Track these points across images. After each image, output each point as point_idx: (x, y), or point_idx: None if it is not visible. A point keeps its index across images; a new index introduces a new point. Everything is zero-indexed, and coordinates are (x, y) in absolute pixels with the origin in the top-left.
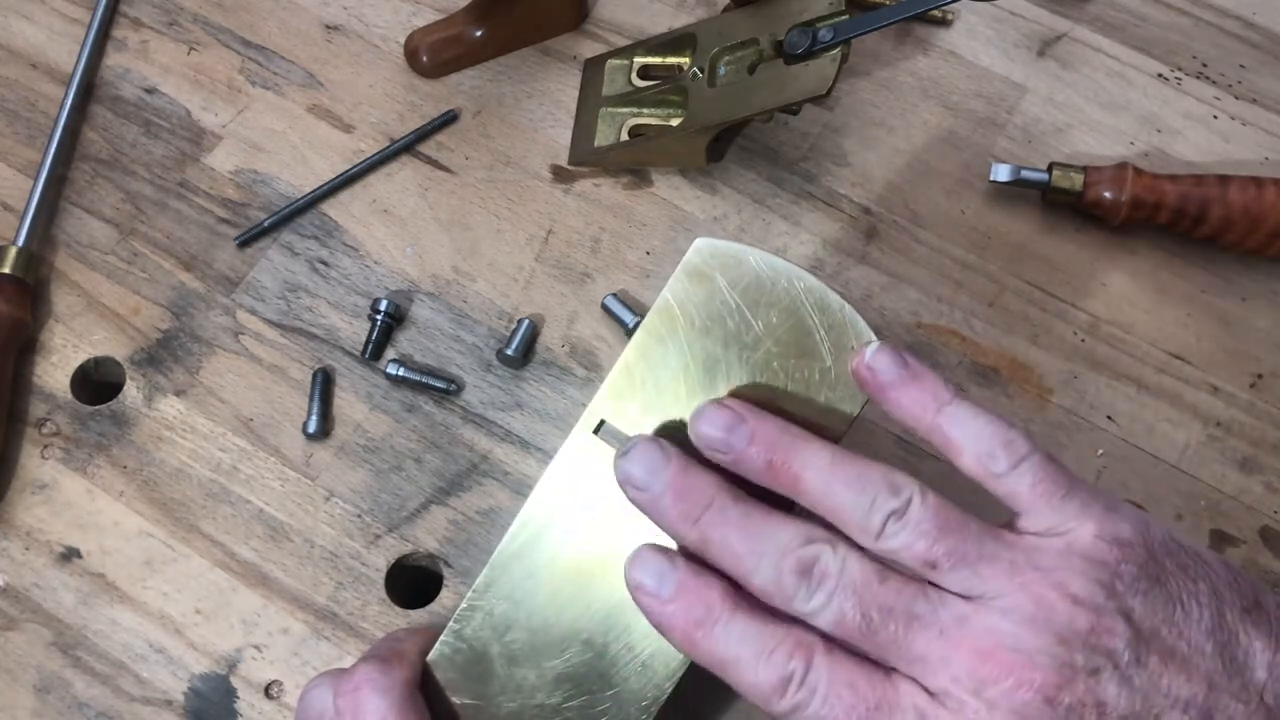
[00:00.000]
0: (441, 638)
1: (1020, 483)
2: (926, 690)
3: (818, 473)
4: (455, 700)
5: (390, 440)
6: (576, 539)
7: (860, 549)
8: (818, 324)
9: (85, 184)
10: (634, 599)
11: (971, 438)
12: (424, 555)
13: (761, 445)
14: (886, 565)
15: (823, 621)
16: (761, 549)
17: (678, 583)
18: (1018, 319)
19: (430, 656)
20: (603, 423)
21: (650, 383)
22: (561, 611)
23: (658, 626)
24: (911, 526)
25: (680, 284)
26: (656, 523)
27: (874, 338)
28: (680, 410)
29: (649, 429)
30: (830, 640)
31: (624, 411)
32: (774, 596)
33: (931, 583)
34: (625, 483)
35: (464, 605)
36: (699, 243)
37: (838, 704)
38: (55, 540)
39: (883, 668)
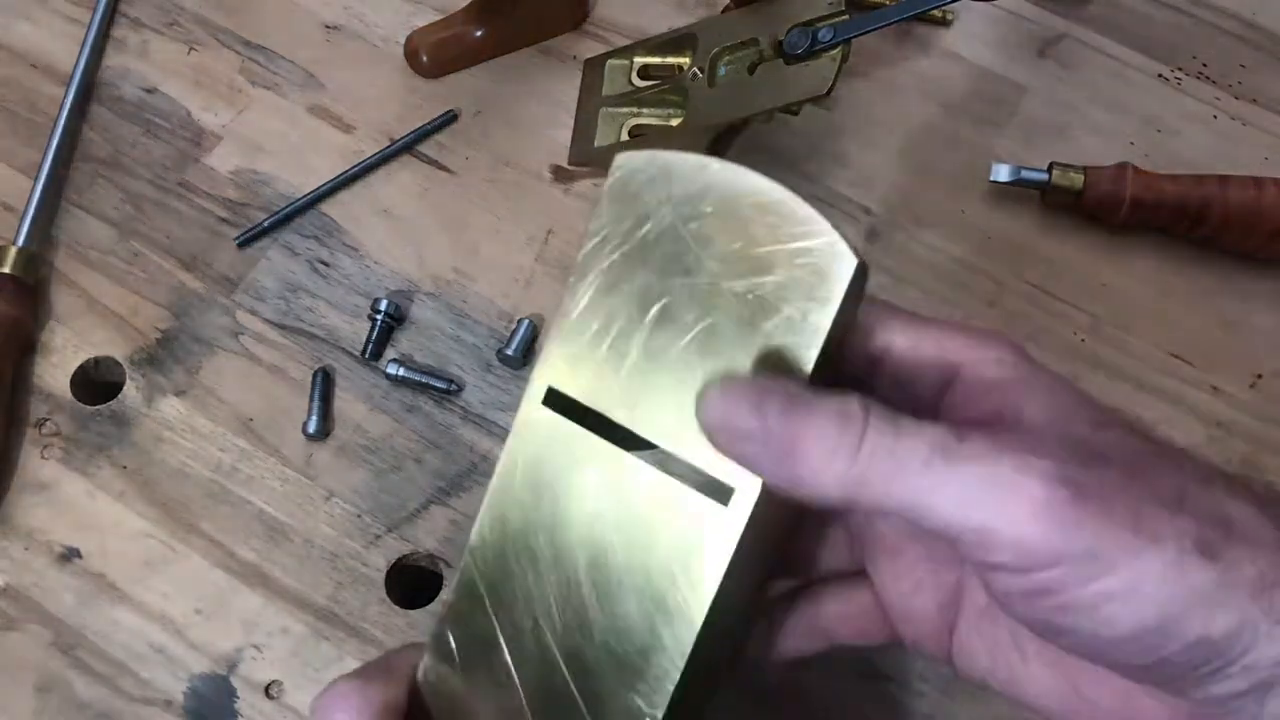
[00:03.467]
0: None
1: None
2: None
3: None
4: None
5: (390, 440)
6: (544, 536)
7: None
8: (759, 228)
9: (85, 184)
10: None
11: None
12: (424, 555)
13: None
14: None
15: None
16: None
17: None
18: (1018, 319)
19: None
20: (552, 391)
21: (596, 334)
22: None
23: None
24: None
25: (605, 212)
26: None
27: (822, 227)
28: (633, 361)
29: (606, 392)
30: None
31: (576, 375)
32: None
33: None
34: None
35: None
36: (619, 158)
37: None
38: (55, 540)
39: None
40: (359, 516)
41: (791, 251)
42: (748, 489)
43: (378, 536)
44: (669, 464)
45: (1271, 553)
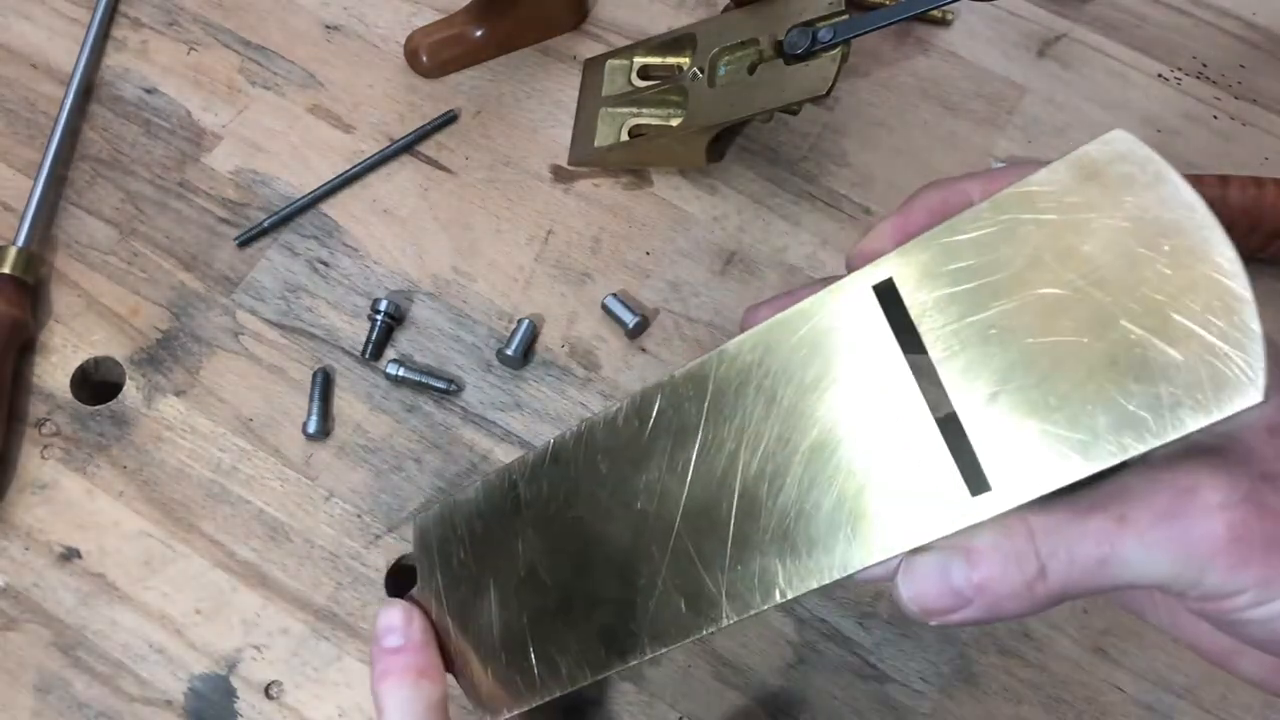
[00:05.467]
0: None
1: None
2: None
3: None
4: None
5: (390, 440)
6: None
7: None
8: (1195, 297)
9: (85, 184)
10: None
11: None
12: None
13: None
14: None
15: None
16: None
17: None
18: None
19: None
20: (890, 285)
21: (966, 269)
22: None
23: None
24: None
25: (1066, 175)
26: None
27: (1256, 344)
28: (980, 318)
29: (937, 327)
30: None
31: (920, 287)
32: None
33: None
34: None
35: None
36: (1116, 134)
37: None
38: (55, 540)
39: None
40: (359, 516)
41: (1207, 344)
42: (1005, 497)
43: (378, 536)
44: (949, 424)
45: None
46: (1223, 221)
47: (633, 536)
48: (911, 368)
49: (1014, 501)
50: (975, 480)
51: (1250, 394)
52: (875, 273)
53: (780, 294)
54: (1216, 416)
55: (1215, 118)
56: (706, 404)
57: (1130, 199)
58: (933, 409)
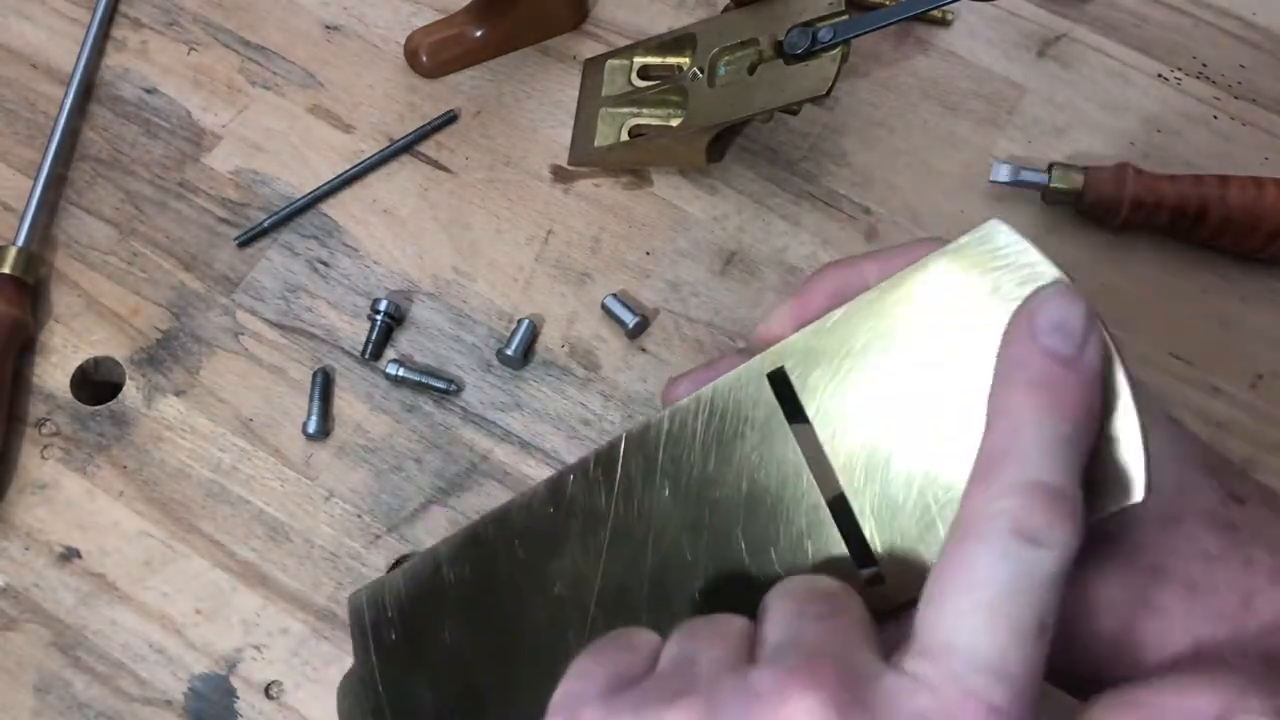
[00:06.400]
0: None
1: None
2: None
3: None
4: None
5: (390, 440)
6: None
7: None
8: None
9: (85, 184)
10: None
11: None
12: None
13: None
14: None
15: None
16: None
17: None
18: None
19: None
20: (782, 371)
21: (856, 358)
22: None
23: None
24: None
25: (940, 266)
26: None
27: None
28: (862, 389)
29: (824, 406)
30: None
31: (806, 369)
32: None
33: None
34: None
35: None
36: (991, 225)
37: None
38: (55, 540)
39: None
40: (359, 516)
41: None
42: (894, 586)
43: (378, 536)
44: (839, 504)
45: None
46: (1223, 221)
47: (549, 621)
48: (804, 452)
49: (902, 595)
50: (867, 564)
51: (1130, 494)
52: (769, 360)
53: (700, 366)
54: (1098, 515)
55: (1215, 118)
56: (616, 490)
57: (1006, 289)
58: (824, 491)
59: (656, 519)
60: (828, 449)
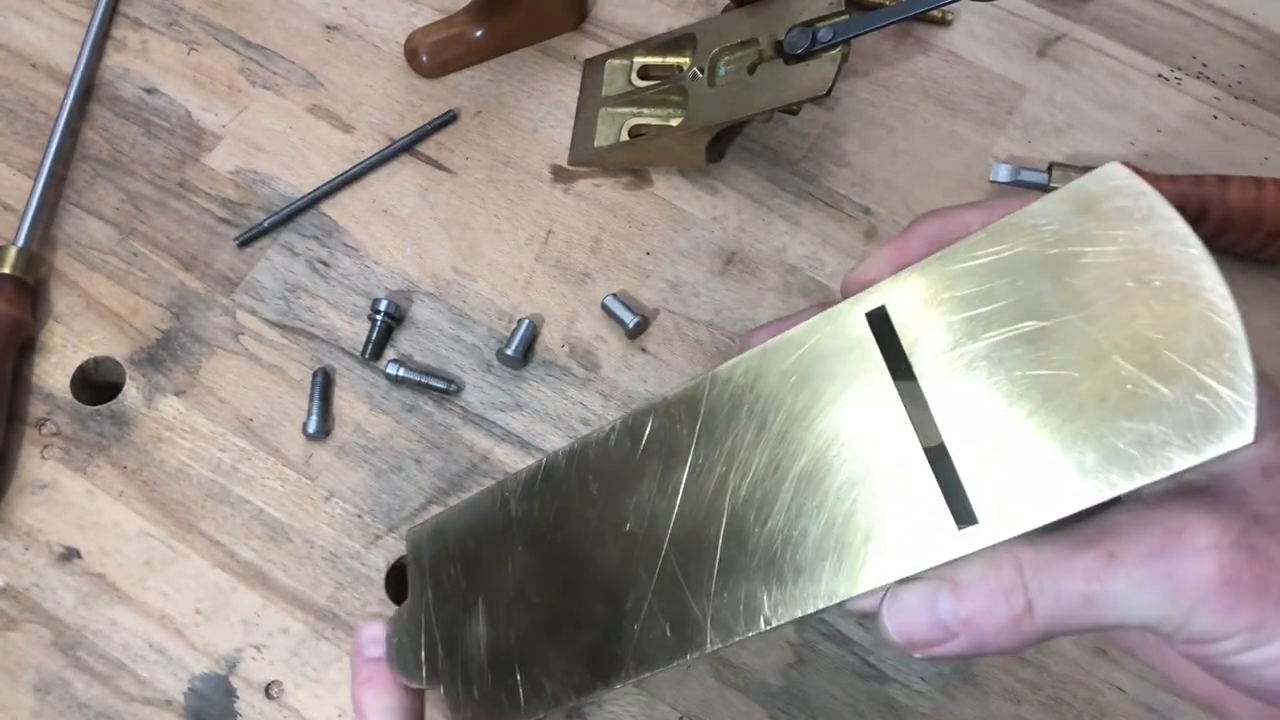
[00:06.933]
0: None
1: None
2: None
3: None
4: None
5: (390, 440)
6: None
7: None
8: (1187, 335)
9: (85, 184)
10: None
11: None
12: None
13: None
14: None
15: None
16: None
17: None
18: None
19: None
20: (882, 312)
21: (961, 299)
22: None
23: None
24: None
25: (1061, 206)
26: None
27: (1248, 384)
28: (974, 348)
29: (930, 355)
30: None
31: (914, 315)
32: None
33: None
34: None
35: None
36: (1116, 166)
37: None
38: (55, 540)
39: None
40: (359, 516)
41: (1199, 382)
42: (991, 532)
43: (378, 536)
44: (937, 455)
45: None
46: (1223, 221)
47: (621, 558)
48: (902, 396)
49: (999, 536)
50: (962, 512)
51: (1240, 434)
52: (869, 300)
53: (779, 318)
54: (1206, 456)
55: (1215, 118)
56: (698, 427)
57: (1124, 233)
58: (921, 439)
59: (740, 458)
60: (929, 393)
